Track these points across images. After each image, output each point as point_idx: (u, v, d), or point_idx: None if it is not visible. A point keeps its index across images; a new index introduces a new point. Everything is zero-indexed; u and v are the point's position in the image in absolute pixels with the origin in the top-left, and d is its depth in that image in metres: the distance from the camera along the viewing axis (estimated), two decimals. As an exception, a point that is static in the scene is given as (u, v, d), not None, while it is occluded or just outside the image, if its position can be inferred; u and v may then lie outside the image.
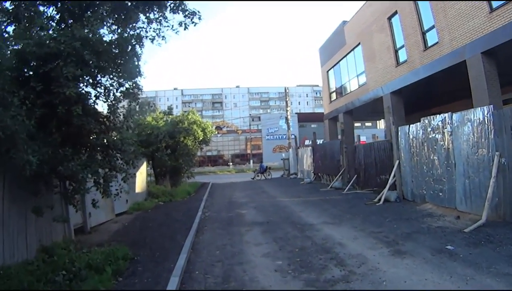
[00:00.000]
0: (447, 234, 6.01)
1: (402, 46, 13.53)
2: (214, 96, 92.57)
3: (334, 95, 22.52)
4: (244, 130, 73.08)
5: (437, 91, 14.82)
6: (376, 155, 11.90)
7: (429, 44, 11.95)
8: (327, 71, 22.79)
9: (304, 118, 55.91)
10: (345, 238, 6.33)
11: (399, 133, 10.23)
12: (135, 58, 6.54)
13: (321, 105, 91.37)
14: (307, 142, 42.32)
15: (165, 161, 18.46)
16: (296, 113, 60.31)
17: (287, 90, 35.57)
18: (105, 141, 5.68)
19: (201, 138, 19.83)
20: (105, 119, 6.37)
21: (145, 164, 13.83)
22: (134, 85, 6.75)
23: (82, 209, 7.58)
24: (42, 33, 5.47)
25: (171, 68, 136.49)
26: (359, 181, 13.16)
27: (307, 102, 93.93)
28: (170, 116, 21.47)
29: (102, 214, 9.04)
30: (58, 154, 4.80)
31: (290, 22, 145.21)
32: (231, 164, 59.11)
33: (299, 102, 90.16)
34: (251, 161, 60.23)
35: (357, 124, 31.90)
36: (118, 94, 6.38)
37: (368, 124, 48.19)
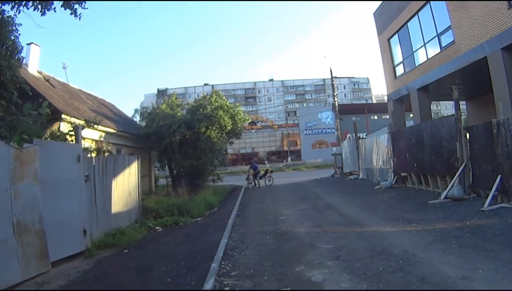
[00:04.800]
0: None
1: (517, -25, 9.33)
2: (247, 90, 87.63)
3: (400, 69, 17.25)
4: (280, 125, 67.76)
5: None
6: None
7: None
8: (389, 39, 17.70)
9: (344, 110, 49.37)
10: None
11: None
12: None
13: (360, 97, 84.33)
14: (349, 136, 35.96)
15: (180, 159, 13.74)
16: (336, 104, 53.94)
17: (332, 72, 29.97)
18: None
19: (229, 128, 14.68)
20: None
21: (135, 165, 8.47)
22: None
23: None
24: None
25: (201, 64, 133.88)
26: (503, 187, 7.30)
27: (345, 94, 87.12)
28: (188, 103, 16.76)
29: (10, 267, 4.09)
30: None
31: (324, 10, 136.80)
32: (266, 162, 53.98)
33: (336, 94, 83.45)
34: (289, 158, 54.85)
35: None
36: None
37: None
